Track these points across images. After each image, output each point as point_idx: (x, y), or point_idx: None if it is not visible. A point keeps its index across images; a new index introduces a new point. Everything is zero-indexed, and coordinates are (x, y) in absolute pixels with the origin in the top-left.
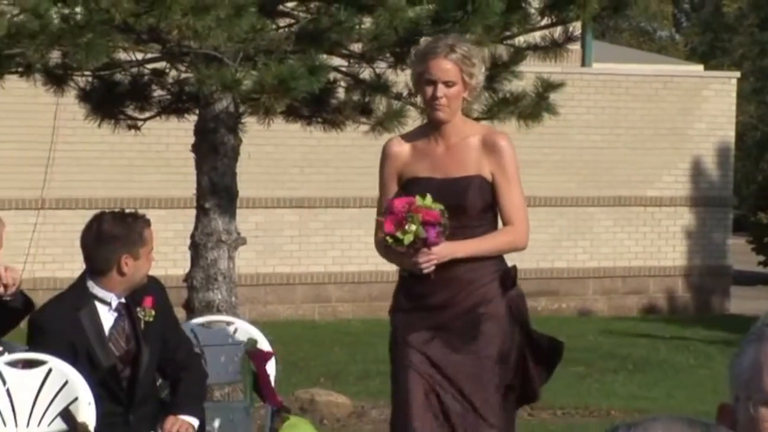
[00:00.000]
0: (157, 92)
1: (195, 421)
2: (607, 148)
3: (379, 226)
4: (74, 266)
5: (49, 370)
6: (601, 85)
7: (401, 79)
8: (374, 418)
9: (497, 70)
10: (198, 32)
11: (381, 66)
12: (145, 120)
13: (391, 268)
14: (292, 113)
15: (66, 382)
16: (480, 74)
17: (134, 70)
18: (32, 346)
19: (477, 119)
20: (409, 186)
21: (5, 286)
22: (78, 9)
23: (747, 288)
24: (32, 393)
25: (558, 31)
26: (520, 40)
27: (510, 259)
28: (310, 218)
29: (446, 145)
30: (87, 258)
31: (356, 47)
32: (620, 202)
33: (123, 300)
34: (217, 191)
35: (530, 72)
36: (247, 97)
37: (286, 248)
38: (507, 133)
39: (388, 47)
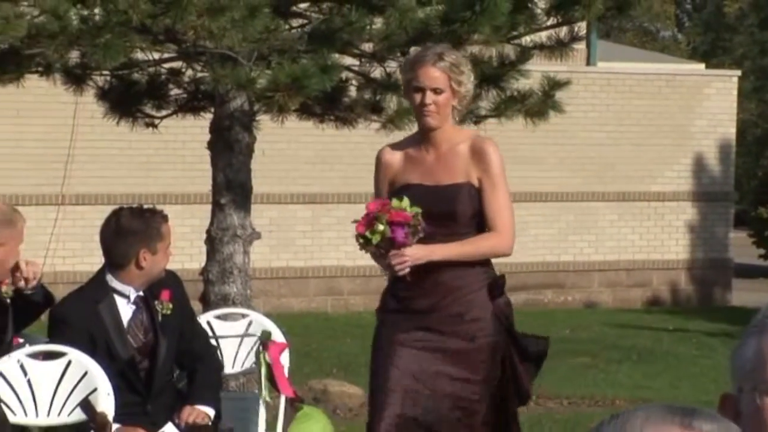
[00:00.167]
0: (174, 91)
1: (211, 411)
2: (612, 145)
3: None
4: (93, 260)
5: (69, 362)
6: (606, 84)
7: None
8: None
9: (505, 69)
10: (213, 33)
11: (391, 65)
12: (162, 118)
13: None
14: (305, 111)
15: (85, 373)
16: (469, 83)
17: (151, 69)
18: (52, 338)
19: (485, 117)
20: (401, 193)
21: (26, 280)
22: (96, 10)
23: (748, 280)
24: (53, 384)
25: (564, 31)
26: (527, 39)
27: (519, 255)
28: (322, 213)
29: (436, 152)
30: (106, 252)
31: (367, 47)
32: (624, 197)
33: (141, 293)
34: (232, 187)
35: (537, 71)
36: (262, 96)
37: (299, 243)
38: (494, 140)
39: (398, 47)
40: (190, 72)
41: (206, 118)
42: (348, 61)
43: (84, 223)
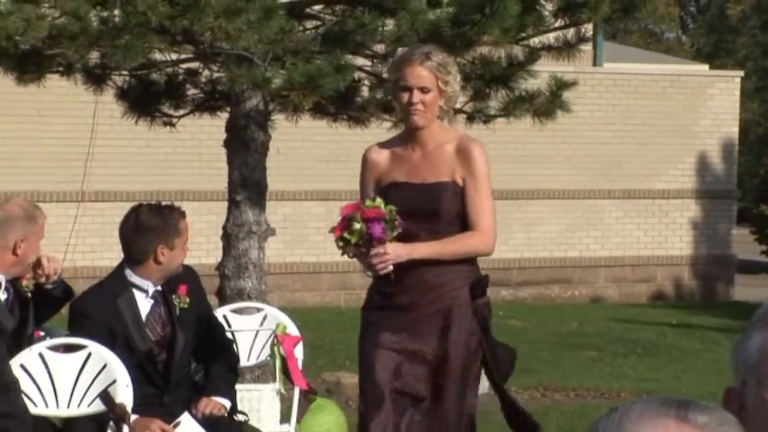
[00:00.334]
0: (191, 91)
1: (227, 402)
2: (618, 144)
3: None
4: (113, 255)
5: (89, 354)
6: (612, 84)
7: None
8: None
9: (513, 69)
10: (230, 34)
11: None
12: (179, 117)
13: None
14: (318, 110)
15: (105, 366)
16: (455, 83)
17: (169, 69)
18: (73, 331)
19: (494, 116)
20: (388, 191)
21: (47, 276)
22: (116, 12)
23: (750, 276)
24: (73, 376)
25: (571, 32)
26: (535, 41)
27: (527, 251)
28: (335, 210)
29: (423, 151)
30: (125, 247)
31: (379, 48)
32: (630, 195)
33: (159, 287)
34: (247, 185)
35: (544, 71)
36: (277, 95)
37: (312, 239)
38: (481, 141)
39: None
40: (207, 72)
41: (222, 117)
42: (360, 61)
43: (103, 220)
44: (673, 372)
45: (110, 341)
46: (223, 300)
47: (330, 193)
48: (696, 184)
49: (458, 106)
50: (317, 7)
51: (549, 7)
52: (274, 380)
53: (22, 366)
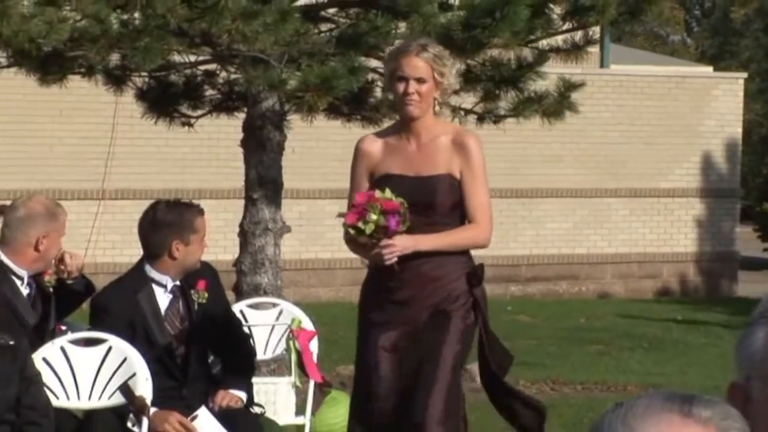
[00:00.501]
0: (209, 92)
1: (243, 395)
2: (624, 144)
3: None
4: (132, 252)
5: (110, 348)
6: (618, 85)
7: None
8: None
9: (522, 71)
10: (246, 36)
11: None
12: (197, 117)
13: None
14: (333, 111)
15: (125, 359)
16: (451, 76)
17: (188, 71)
18: (94, 325)
19: (504, 116)
20: (382, 183)
21: (69, 272)
22: (136, 14)
23: (753, 273)
24: (94, 369)
25: (578, 35)
26: (544, 43)
27: (536, 248)
28: None
29: (417, 143)
30: (142, 242)
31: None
32: (636, 194)
33: (178, 282)
34: (263, 183)
35: (553, 73)
36: (292, 96)
37: (327, 236)
38: (476, 134)
39: None
40: (224, 74)
41: (239, 117)
42: (374, 63)
43: (123, 217)
44: (678, 366)
45: (130, 335)
46: (240, 295)
47: (344, 192)
48: (700, 183)
49: (469, 106)
50: (332, 10)
51: (557, 10)
52: (290, 374)
53: (44, 359)
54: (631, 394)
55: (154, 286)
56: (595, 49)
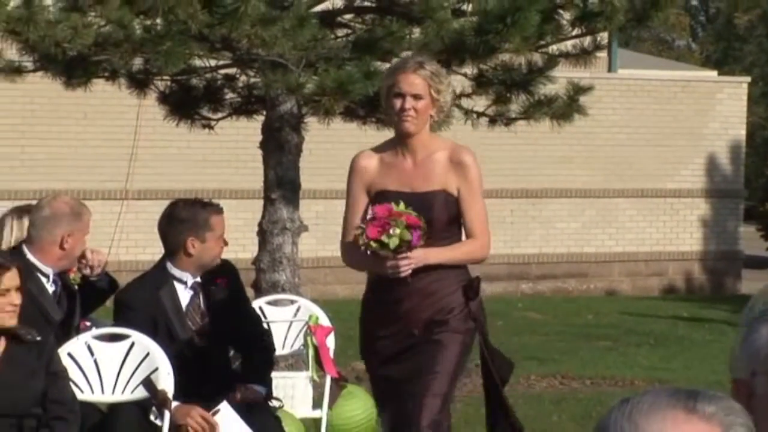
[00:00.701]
0: (229, 95)
1: (262, 389)
2: (631, 145)
3: (360, 235)
4: (155, 250)
5: (133, 343)
6: (626, 89)
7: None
8: None
9: (533, 75)
10: (265, 41)
11: None
12: (217, 120)
13: None
14: (349, 114)
15: (147, 354)
16: (447, 94)
17: (208, 75)
18: (117, 321)
19: (515, 119)
20: (378, 199)
21: (91, 268)
22: (158, 20)
23: (756, 271)
24: (117, 364)
25: (587, 40)
26: (554, 48)
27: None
28: None
29: (413, 159)
30: (161, 239)
31: (407, 55)
32: (643, 194)
33: (198, 279)
34: (282, 184)
35: (562, 77)
36: (309, 100)
37: None
38: (472, 150)
39: (435, 55)
40: (243, 78)
41: (258, 120)
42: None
43: (146, 216)
44: (683, 362)
45: (152, 331)
46: (259, 292)
47: None
48: (705, 184)
49: (481, 109)
50: (348, 16)
51: (567, 16)
52: (307, 368)
53: (69, 354)
54: (638, 388)
55: (175, 283)
56: (603, 54)
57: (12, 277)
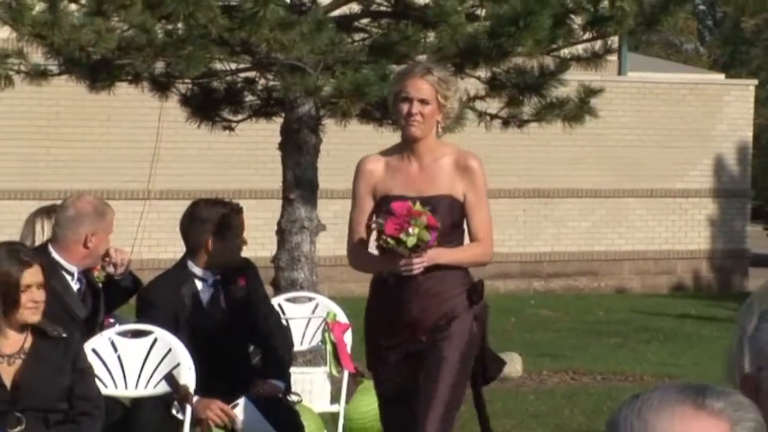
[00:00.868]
0: (249, 98)
1: (282, 384)
2: (641, 147)
3: (376, 230)
4: (176, 248)
5: (155, 339)
6: (635, 92)
7: (460, 86)
8: None
9: (545, 78)
10: (284, 45)
11: None
12: (238, 122)
13: None
14: (365, 116)
15: (169, 350)
16: (455, 101)
17: (228, 78)
18: (140, 318)
19: (527, 121)
20: (384, 203)
21: (114, 266)
22: (180, 25)
23: (763, 269)
24: (140, 359)
25: (598, 44)
26: (565, 52)
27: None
28: None
29: (420, 164)
30: (183, 238)
31: (422, 58)
32: (652, 194)
33: (218, 277)
34: (300, 184)
35: (574, 80)
36: (327, 102)
37: None
38: (477, 155)
39: (449, 58)
40: (263, 80)
41: (277, 122)
42: None
43: (168, 216)
44: (692, 357)
45: (174, 327)
46: (278, 290)
47: None
48: (713, 184)
49: (494, 111)
50: (364, 21)
51: (578, 20)
52: (325, 364)
53: (93, 350)
54: (648, 383)
55: (196, 281)
56: (613, 58)
57: (33, 274)
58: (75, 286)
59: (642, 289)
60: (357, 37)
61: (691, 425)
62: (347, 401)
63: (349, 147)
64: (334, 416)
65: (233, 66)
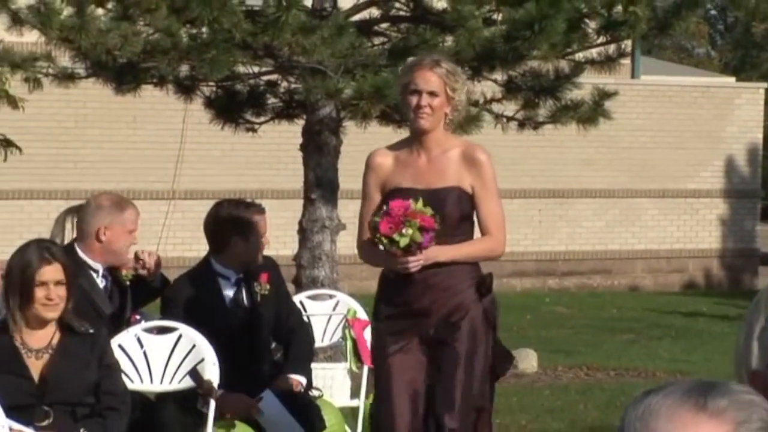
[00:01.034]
0: (271, 100)
1: (303, 380)
2: (653, 148)
3: (372, 227)
4: (200, 247)
5: (180, 336)
6: (648, 94)
7: (477, 89)
8: None
9: (560, 81)
10: (306, 49)
11: None
12: (260, 124)
13: None
14: (385, 118)
15: (194, 346)
16: (463, 93)
17: (251, 81)
18: (165, 315)
19: (542, 123)
20: (392, 196)
21: (148, 270)
22: (204, 29)
23: None
24: (165, 355)
25: (612, 48)
26: (580, 55)
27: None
28: None
29: (428, 156)
30: (207, 238)
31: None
32: (664, 194)
33: (241, 275)
34: (321, 184)
35: (588, 83)
36: (347, 104)
37: None
38: (485, 148)
39: (467, 62)
40: (285, 83)
41: (299, 123)
42: None
43: (192, 215)
44: (703, 354)
45: (198, 324)
46: (300, 287)
47: None
48: (724, 185)
49: (510, 113)
50: (384, 25)
51: (592, 25)
52: (346, 360)
53: (120, 346)
54: (660, 379)
55: (220, 279)
56: (626, 61)
57: (51, 271)
58: (101, 283)
59: (654, 287)
60: (377, 41)
61: (689, 430)
62: (367, 396)
63: (368, 148)
64: (354, 411)
65: (256, 69)
